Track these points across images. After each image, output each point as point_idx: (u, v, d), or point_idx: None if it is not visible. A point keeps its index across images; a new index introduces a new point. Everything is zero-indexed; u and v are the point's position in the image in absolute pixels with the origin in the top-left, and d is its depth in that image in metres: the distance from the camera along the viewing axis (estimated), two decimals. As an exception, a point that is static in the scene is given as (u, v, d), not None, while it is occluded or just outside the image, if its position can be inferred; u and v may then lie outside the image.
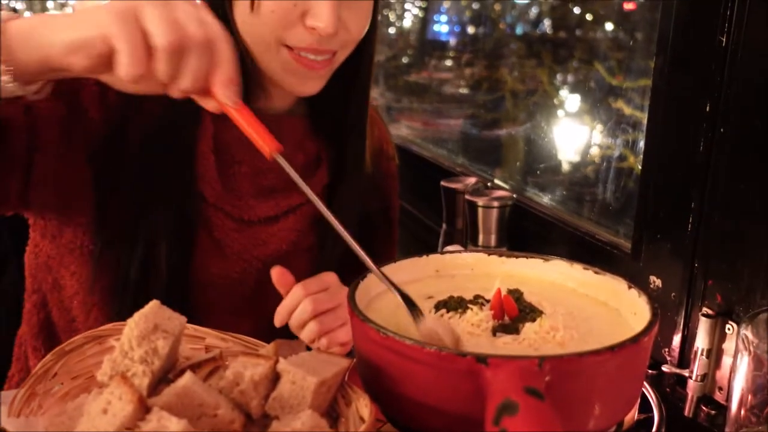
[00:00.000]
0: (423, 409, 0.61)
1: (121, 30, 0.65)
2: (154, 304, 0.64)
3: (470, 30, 2.42)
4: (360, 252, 0.72)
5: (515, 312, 0.72)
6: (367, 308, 0.72)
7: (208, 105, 0.73)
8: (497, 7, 2.18)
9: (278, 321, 0.97)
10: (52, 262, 1.05)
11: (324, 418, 0.61)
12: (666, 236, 1.09)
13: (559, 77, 1.84)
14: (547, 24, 1.97)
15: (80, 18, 0.68)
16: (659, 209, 1.09)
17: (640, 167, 1.18)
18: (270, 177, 1.08)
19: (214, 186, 1.03)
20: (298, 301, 0.95)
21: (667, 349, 1.10)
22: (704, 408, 1.03)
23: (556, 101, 1.83)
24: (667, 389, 1.10)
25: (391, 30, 2.88)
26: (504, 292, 0.73)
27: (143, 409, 0.56)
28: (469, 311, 0.72)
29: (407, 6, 2.84)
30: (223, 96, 0.71)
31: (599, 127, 1.62)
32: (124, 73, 0.66)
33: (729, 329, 0.99)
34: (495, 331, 0.70)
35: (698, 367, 1.02)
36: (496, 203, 1.45)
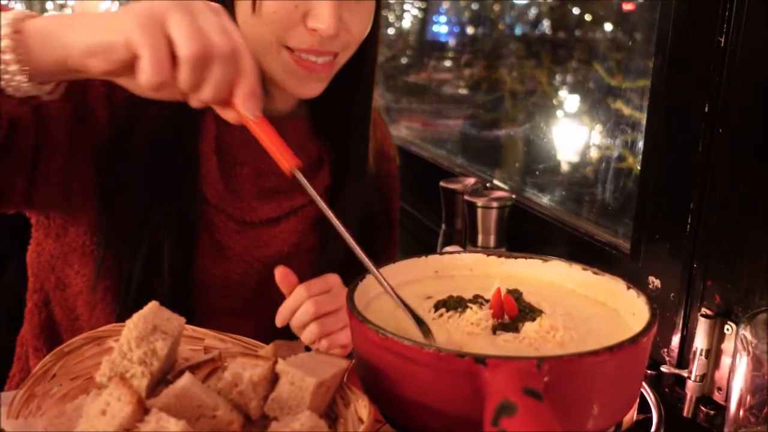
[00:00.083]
0: (422, 409, 0.61)
1: (145, 37, 0.64)
2: (153, 305, 0.64)
3: (469, 30, 2.42)
4: (371, 267, 0.72)
5: (515, 311, 0.72)
6: (366, 309, 0.72)
7: (228, 116, 0.72)
8: (496, 7, 2.18)
9: (280, 321, 0.97)
10: (55, 261, 1.04)
11: (323, 418, 0.61)
12: (665, 236, 1.09)
13: (558, 78, 1.84)
14: (546, 24, 1.97)
15: (103, 21, 0.67)
16: (658, 209, 1.09)
17: (639, 167, 1.18)
18: (272, 179, 1.08)
19: (216, 187, 1.03)
20: (300, 302, 0.95)
21: (666, 350, 1.10)
22: (703, 408, 1.03)
23: (555, 102, 1.83)
24: (666, 389, 1.10)
25: (391, 31, 2.88)
26: (503, 292, 0.73)
27: (142, 410, 0.56)
28: (468, 310, 0.72)
29: (406, 7, 2.84)
30: (244, 108, 0.69)
31: (598, 127, 1.62)
32: (146, 81, 0.65)
33: (728, 329, 0.99)
34: (495, 330, 0.70)
35: (697, 367, 1.02)
36: (495, 204, 1.45)
